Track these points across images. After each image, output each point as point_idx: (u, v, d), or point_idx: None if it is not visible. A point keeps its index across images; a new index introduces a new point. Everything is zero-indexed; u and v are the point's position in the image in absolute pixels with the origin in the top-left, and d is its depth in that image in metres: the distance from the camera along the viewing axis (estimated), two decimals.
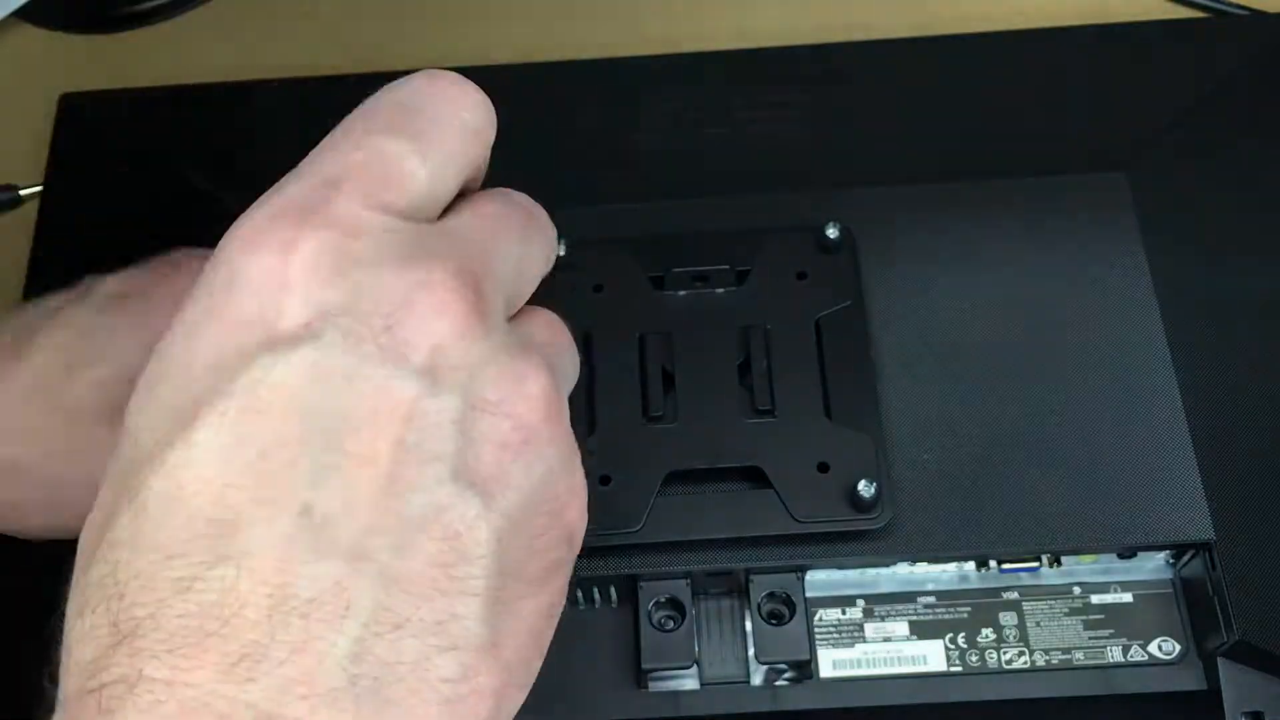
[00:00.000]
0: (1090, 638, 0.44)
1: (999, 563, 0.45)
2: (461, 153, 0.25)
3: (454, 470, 0.22)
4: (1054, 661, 0.44)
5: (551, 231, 0.28)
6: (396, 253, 0.23)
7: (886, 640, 0.44)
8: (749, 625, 0.44)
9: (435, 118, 0.25)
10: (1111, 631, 0.44)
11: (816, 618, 0.45)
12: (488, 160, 0.26)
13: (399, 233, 0.23)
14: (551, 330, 0.28)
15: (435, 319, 0.23)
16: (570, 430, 0.25)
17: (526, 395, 0.23)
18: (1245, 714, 0.42)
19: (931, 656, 0.44)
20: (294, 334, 0.22)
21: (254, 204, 0.24)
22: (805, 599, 0.43)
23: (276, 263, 0.22)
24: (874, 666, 0.44)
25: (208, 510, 0.21)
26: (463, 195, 0.26)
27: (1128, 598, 0.45)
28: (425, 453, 0.22)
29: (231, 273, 0.22)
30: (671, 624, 0.43)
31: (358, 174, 0.23)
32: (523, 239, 0.26)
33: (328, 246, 0.22)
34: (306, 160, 0.24)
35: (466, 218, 0.25)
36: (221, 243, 0.23)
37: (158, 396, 0.22)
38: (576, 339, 0.42)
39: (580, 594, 0.44)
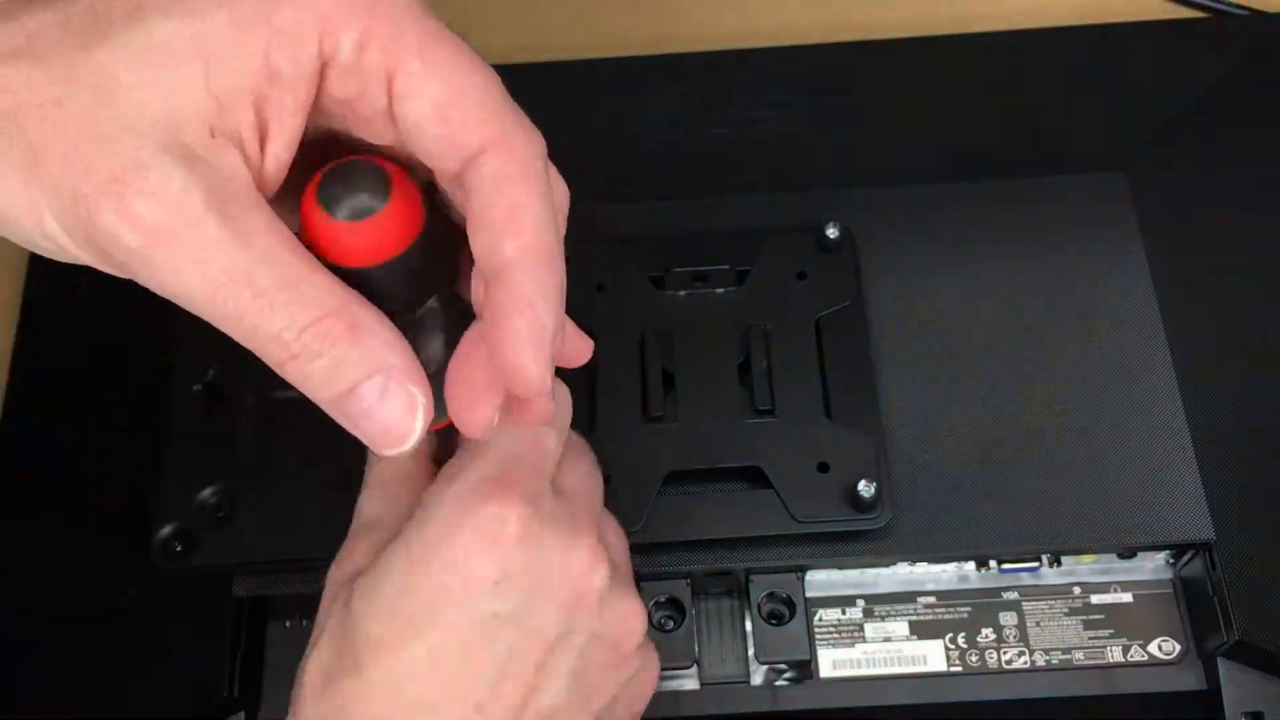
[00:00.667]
0: (1090, 638, 0.44)
1: (999, 563, 0.45)
2: (567, 423, 0.35)
3: (572, 682, 0.33)
4: (1054, 661, 0.44)
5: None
6: (555, 524, 0.32)
7: (886, 640, 0.44)
8: (749, 625, 0.44)
9: (559, 404, 0.34)
10: (1111, 631, 0.44)
11: (816, 618, 0.45)
12: None
13: (553, 503, 0.33)
14: (620, 539, 0.38)
15: (583, 579, 0.33)
16: (650, 642, 0.36)
17: (630, 631, 0.34)
18: (1245, 714, 0.42)
19: (931, 656, 0.44)
20: (486, 589, 0.31)
21: (456, 463, 0.33)
22: (805, 599, 0.43)
23: (487, 529, 0.31)
24: (874, 666, 0.44)
25: (414, 696, 0.31)
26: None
27: (1128, 598, 0.45)
28: (557, 671, 0.32)
29: (446, 529, 0.31)
30: (671, 624, 0.43)
31: (528, 455, 0.33)
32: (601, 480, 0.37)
33: (521, 519, 0.31)
34: (489, 441, 0.33)
35: (571, 479, 0.35)
36: (436, 497, 0.32)
37: (381, 601, 0.31)
38: None
39: None
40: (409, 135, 0.29)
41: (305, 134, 0.28)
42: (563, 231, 0.32)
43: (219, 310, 0.27)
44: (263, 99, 0.27)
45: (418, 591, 0.31)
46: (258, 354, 0.28)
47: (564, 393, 0.35)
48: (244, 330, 0.27)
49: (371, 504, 0.36)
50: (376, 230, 0.28)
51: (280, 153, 0.28)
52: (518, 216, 0.28)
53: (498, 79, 0.29)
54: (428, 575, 0.31)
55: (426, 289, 0.31)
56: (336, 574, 0.34)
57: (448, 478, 0.33)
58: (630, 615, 0.34)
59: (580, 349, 0.35)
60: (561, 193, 0.32)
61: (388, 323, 0.29)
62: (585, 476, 0.36)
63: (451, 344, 0.32)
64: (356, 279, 0.29)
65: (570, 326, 0.34)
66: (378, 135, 0.29)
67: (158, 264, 0.26)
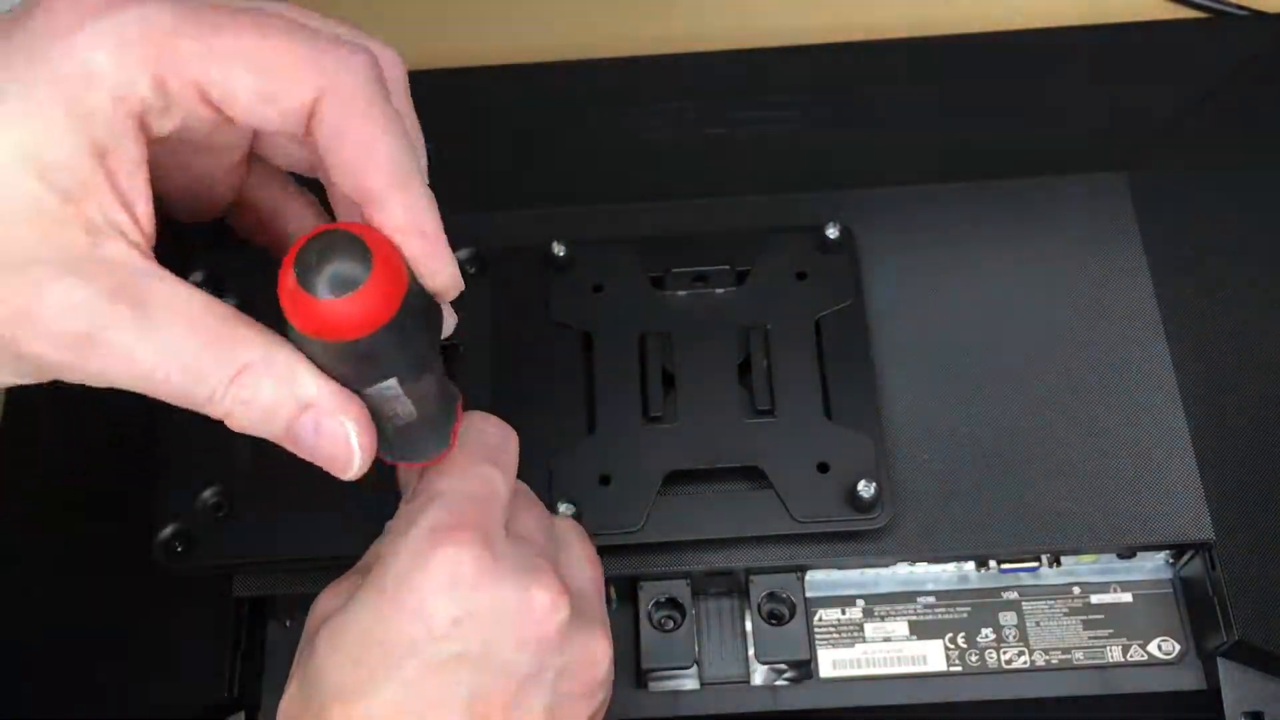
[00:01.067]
0: (1090, 637, 0.44)
1: (999, 563, 0.45)
2: (514, 468, 0.36)
3: (547, 717, 0.33)
4: (1054, 661, 0.44)
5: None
6: (511, 564, 0.32)
7: (886, 640, 0.44)
8: (749, 625, 0.44)
9: (506, 450, 0.35)
10: (1111, 631, 0.44)
11: (816, 618, 0.45)
12: None
13: (507, 544, 0.33)
14: (594, 568, 0.38)
15: (544, 617, 0.32)
16: (612, 665, 0.35)
17: (595, 664, 0.34)
18: (1245, 714, 0.42)
19: (931, 656, 0.44)
20: (446, 631, 0.31)
21: (408, 512, 0.33)
22: (805, 599, 0.43)
23: (441, 573, 0.31)
24: (874, 666, 0.44)
25: None
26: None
27: (1127, 598, 0.45)
28: (531, 710, 0.33)
29: (400, 576, 0.31)
30: (671, 624, 0.43)
31: (480, 499, 0.33)
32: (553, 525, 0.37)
33: (474, 561, 0.31)
34: (437, 476, 0.33)
35: (525, 524, 0.35)
36: (390, 546, 0.32)
37: (343, 651, 0.32)
38: (577, 338, 0.42)
39: None
40: (244, 122, 0.29)
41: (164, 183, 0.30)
42: (406, 105, 0.33)
43: (156, 390, 0.29)
44: (111, 174, 0.28)
45: (379, 639, 0.31)
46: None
47: (511, 437, 0.36)
48: (181, 399, 0.29)
49: (377, 546, 0.36)
50: (359, 305, 0.28)
51: (146, 209, 0.29)
52: (369, 152, 0.29)
53: (293, 20, 0.30)
54: (388, 622, 0.31)
55: (415, 356, 0.30)
56: (318, 608, 0.34)
57: (401, 526, 0.33)
58: (597, 648, 0.35)
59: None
60: (396, 73, 0.32)
61: (304, 359, 0.30)
62: (538, 520, 0.36)
63: (425, 397, 0.32)
64: (341, 352, 0.29)
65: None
66: (224, 139, 0.32)
67: (90, 371, 0.28)
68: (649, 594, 0.43)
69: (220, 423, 0.43)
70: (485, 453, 0.35)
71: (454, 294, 0.31)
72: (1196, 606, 0.44)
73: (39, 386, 0.49)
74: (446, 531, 0.32)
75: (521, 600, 0.32)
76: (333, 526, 0.41)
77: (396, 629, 0.31)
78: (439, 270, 0.30)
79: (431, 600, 0.31)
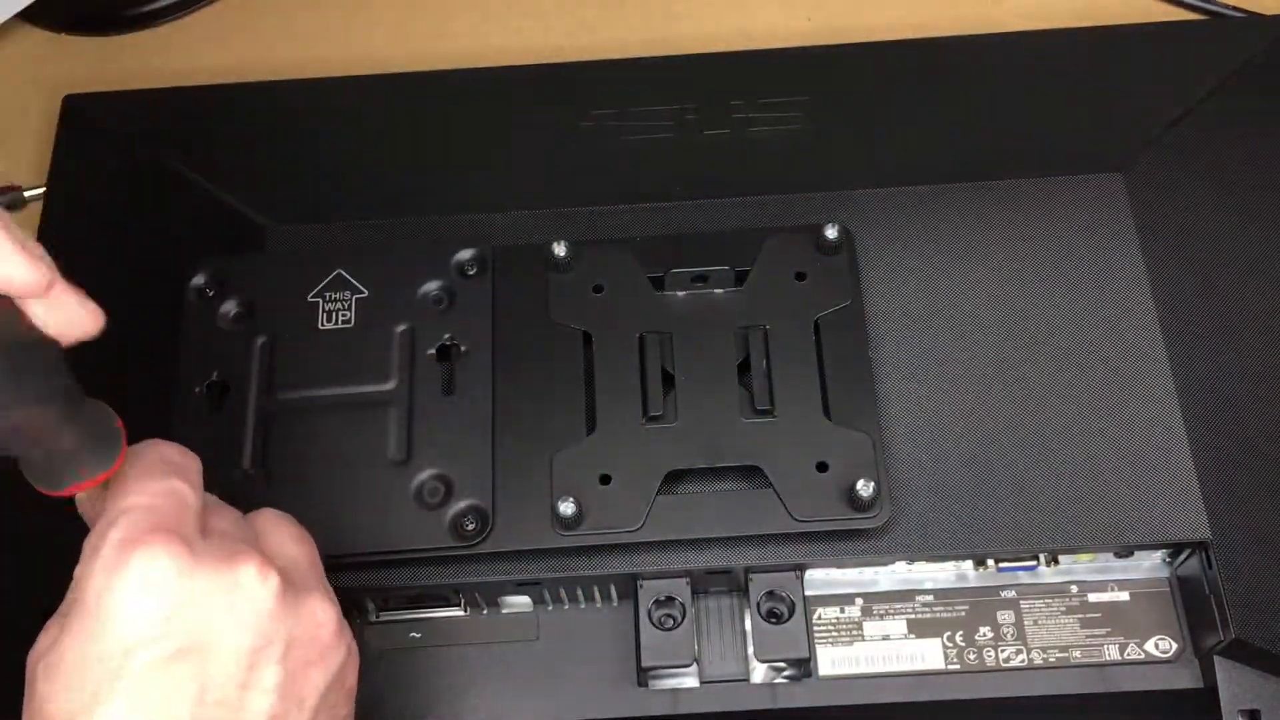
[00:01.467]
0: (1087, 636, 0.44)
1: (997, 561, 0.45)
2: (200, 483, 0.35)
3: (281, 692, 0.33)
4: (1051, 660, 0.44)
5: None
6: (211, 554, 0.33)
7: (885, 639, 0.45)
8: (748, 624, 0.44)
9: (189, 468, 0.35)
10: (1108, 630, 0.45)
11: (815, 616, 0.45)
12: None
13: (203, 543, 0.33)
14: (300, 545, 0.37)
15: (256, 592, 0.33)
16: (345, 625, 0.36)
17: (320, 624, 0.35)
18: (1242, 712, 0.42)
19: (929, 655, 0.44)
20: (160, 630, 0.31)
21: (96, 533, 0.33)
22: (804, 597, 0.44)
23: (139, 576, 0.31)
24: (872, 665, 0.44)
25: None
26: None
27: (1125, 596, 0.45)
28: (261, 685, 0.33)
29: (100, 591, 0.32)
30: (671, 622, 0.43)
31: (168, 509, 0.33)
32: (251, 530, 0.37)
33: (172, 555, 0.32)
34: (121, 496, 0.33)
35: (220, 524, 0.36)
36: (85, 569, 0.32)
37: (61, 680, 0.32)
38: (577, 338, 0.42)
39: (580, 593, 0.45)
40: None
41: None
42: None
43: None
44: None
45: (95, 657, 0.31)
46: None
47: (193, 458, 0.36)
48: None
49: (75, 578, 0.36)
50: None
51: None
52: None
53: None
54: (98, 638, 0.32)
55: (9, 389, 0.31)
56: (35, 649, 0.34)
57: (92, 548, 0.33)
58: (318, 609, 0.35)
59: (81, 316, 0.34)
60: None
61: None
62: (232, 521, 0.37)
63: (40, 427, 0.32)
64: None
65: (75, 295, 0.33)
66: None
67: None
68: (649, 593, 0.43)
69: (220, 424, 0.43)
70: (166, 469, 0.35)
71: (84, 330, 0.33)
72: (1193, 605, 0.44)
73: None
74: (139, 536, 0.32)
75: (228, 580, 0.33)
76: (332, 527, 0.41)
77: (108, 641, 0.31)
78: (57, 316, 0.32)
79: (135, 602, 0.31)
